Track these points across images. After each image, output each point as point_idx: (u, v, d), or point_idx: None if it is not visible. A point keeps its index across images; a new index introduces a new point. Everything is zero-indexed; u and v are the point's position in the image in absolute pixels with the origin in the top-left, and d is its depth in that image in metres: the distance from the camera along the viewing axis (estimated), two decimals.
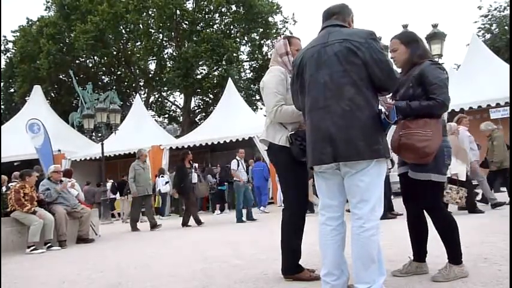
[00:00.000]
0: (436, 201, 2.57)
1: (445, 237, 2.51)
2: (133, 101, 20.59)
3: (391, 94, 2.68)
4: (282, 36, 3.22)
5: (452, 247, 2.50)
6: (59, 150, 14.41)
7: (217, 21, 25.96)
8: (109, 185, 13.41)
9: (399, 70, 2.62)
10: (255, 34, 26.09)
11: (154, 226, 8.14)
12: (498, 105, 10.78)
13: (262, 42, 26.52)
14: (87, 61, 27.93)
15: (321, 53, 2.20)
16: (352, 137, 2.06)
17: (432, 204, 2.55)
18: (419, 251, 2.67)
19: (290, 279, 2.76)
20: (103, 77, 29.60)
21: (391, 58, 2.63)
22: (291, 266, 2.78)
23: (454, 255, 2.49)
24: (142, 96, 27.03)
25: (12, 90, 27.75)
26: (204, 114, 27.15)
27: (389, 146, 2.48)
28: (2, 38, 26.47)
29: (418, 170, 2.52)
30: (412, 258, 2.69)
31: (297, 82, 2.38)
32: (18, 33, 26.68)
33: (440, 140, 2.41)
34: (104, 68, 28.83)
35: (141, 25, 24.91)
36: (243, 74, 26.63)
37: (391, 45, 2.64)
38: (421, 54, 2.59)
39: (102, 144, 12.73)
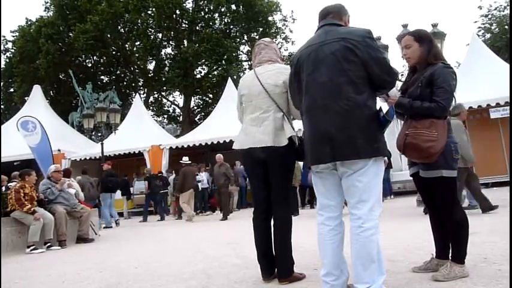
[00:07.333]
0: (451, 198, 2.52)
1: (455, 236, 2.50)
2: (132, 100, 20.56)
3: (399, 88, 2.65)
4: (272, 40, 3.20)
5: (459, 246, 2.48)
6: (59, 150, 14.36)
7: (217, 21, 25.93)
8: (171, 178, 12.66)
9: (401, 68, 2.57)
10: (255, 33, 26.04)
11: None
12: (498, 105, 10.77)
13: None
14: (87, 61, 27.89)
15: (318, 52, 2.19)
16: (351, 136, 2.05)
17: (448, 200, 2.51)
18: (442, 248, 2.65)
19: (286, 283, 2.67)
20: (102, 77, 29.54)
21: (404, 55, 2.60)
22: (290, 269, 2.71)
23: (460, 254, 2.48)
24: (142, 96, 26.99)
25: (11, 90, 27.72)
26: (203, 114, 27.11)
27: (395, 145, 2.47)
28: (2, 38, 26.47)
29: (428, 168, 2.50)
30: (434, 255, 2.69)
31: (294, 82, 2.39)
32: (17, 33, 26.65)
33: (445, 140, 2.38)
34: (103, 68, 28.79)
35: (140, 25, 24.88)
36: (242, 74, 26.62)
37: (404, 41, 2.58)
38: (436, 53, 2.54)
39: (102, 144, 12.74)
